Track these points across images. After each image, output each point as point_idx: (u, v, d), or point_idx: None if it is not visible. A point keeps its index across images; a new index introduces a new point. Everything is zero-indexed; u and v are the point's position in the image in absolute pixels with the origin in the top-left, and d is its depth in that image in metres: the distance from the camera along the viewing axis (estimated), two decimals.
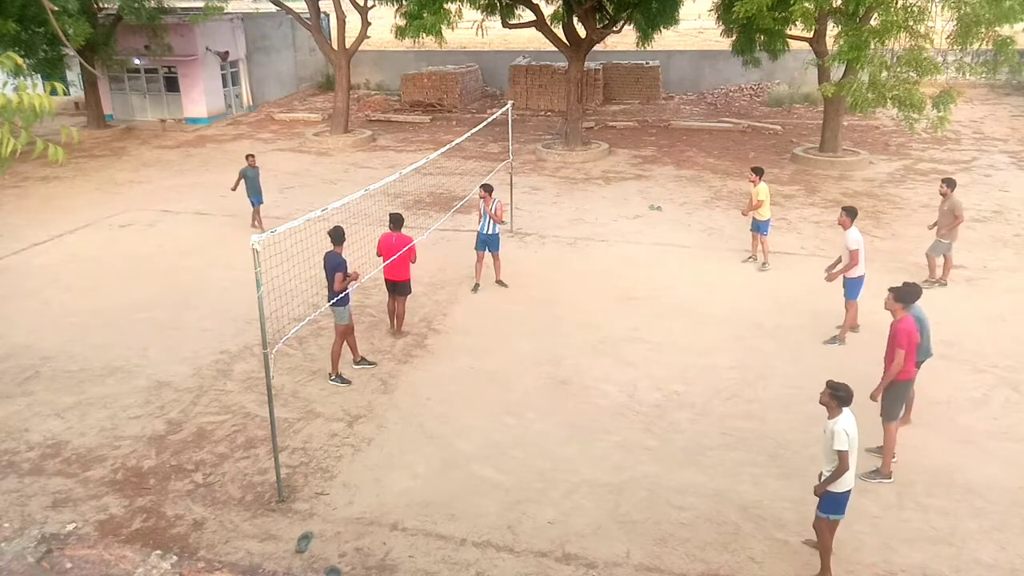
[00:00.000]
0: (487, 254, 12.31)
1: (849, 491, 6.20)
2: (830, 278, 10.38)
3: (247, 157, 15.24)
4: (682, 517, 7.23)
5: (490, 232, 12.11)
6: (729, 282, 12.54)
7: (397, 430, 8.67)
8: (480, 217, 12.12)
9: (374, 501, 7.50)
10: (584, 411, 8.99)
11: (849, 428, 6.05)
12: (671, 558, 6.74)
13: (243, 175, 14.96)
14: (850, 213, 10.36)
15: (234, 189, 15.11)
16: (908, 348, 7.40)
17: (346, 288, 9.29)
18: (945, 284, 12.07)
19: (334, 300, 9.30)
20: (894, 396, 7.61)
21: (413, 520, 7.23)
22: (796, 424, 8.61)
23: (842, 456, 6.00)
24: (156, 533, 7.10)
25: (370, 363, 10.03)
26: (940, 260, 12.18)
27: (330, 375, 9.68)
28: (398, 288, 10.69)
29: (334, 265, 9.29)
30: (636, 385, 9.51)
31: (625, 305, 11.77)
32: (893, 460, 7.68)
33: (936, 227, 12.10)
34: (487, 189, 12.03)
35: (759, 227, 13.08)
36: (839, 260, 10.45)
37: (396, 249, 10.18)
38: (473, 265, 12.47)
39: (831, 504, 6.22)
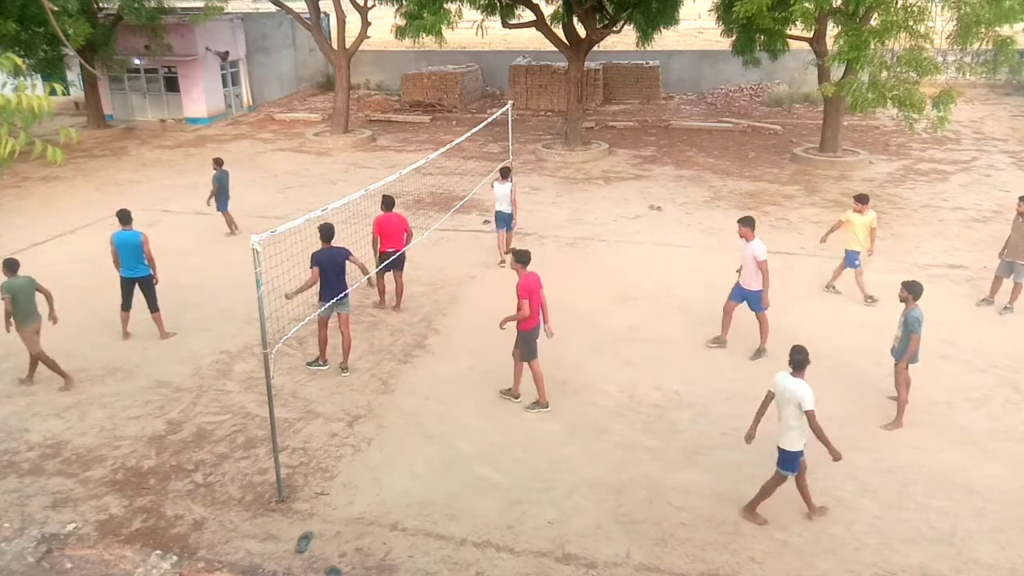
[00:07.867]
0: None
1: None
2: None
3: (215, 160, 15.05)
4: (682, 517, 7.23)
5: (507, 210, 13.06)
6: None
7: (397, 430, 8.67)
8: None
9: (374, 501, 7.50)
10: (584, 411, 8.99)
11: None
12: (671, 558, 6.75)
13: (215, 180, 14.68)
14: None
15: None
16: (529, 298, 8.67)
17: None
18: (1011, 309, 11.16)
19: (347, 293, 9.72)
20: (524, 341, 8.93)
21: (413, 520, 7.23)
22: None
23: None
24: (156, 533, 7.10)
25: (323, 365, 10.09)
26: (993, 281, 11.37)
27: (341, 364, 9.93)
28: (399, 260, 11.26)
29: (344, 256, 9.65)
30: (636, 385, 9.51)
31: (625, 305, 11.77)
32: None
33: (1005, 249, 11.16)
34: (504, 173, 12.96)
35: None
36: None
37: (397, 227, 11.17)
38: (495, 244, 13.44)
39: None
